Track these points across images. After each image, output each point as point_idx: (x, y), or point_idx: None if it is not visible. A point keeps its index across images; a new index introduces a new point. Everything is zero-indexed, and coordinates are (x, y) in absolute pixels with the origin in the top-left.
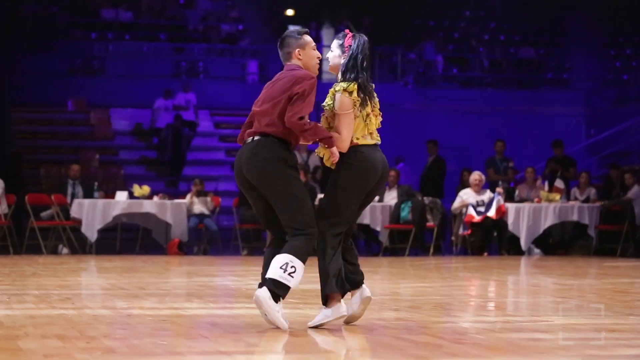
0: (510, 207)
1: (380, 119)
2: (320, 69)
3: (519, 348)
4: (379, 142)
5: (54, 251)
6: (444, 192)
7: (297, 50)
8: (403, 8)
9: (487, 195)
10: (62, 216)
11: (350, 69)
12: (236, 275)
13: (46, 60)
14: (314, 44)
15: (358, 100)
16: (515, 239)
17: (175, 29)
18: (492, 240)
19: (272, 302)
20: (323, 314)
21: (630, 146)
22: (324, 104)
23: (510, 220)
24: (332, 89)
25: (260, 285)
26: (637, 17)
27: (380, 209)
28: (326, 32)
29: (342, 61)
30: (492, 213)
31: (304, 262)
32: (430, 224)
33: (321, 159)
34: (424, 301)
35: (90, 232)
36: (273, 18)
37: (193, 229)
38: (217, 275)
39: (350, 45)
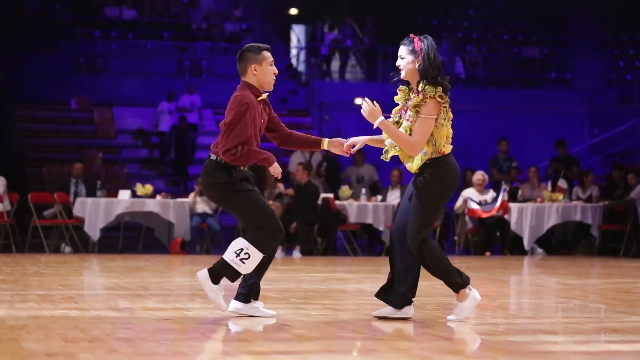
0: (513, 206)
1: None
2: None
3: (522, 348)
4: None
5: (57, 250)
6: None
7: (253, 65)
8: (406, 7)
9: (490, 194)
10: (64, 215)
11: (430, 70)
12: None
13: (49, 59)
14: (271, 59)
15: (445, 106)
16: (518, 239)
17: (179, 28)
18: (495, 240)
19: (209, 282)
20: (462, 308)
21: (633, 146)
22: (396, 111)
23: (513, 220)
24: (405, 92)
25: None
26: None
27: (383, 209)
28: (329, 31)
29: (417, 65)
30: (494, 207)
31: (262, 252)
32: None
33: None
34: (427, 301)
35: (93, 230)
36: (276, 17)
37: (196, 228)
38: None
39: (422, 48)
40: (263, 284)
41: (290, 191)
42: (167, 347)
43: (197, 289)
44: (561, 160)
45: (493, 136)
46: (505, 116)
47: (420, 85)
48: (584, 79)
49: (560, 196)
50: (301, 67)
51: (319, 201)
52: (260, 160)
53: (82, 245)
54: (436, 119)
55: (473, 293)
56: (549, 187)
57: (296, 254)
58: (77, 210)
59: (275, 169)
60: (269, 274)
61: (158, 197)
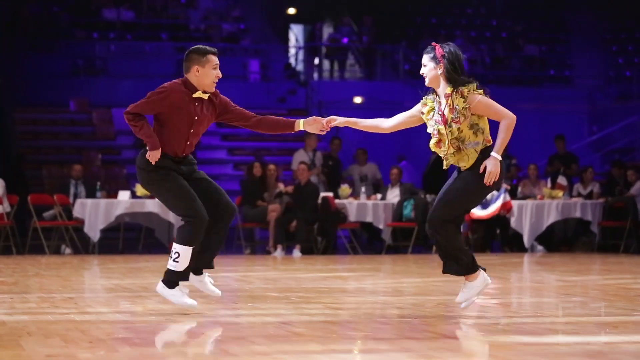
0: (513, 204)
1: None
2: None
3: (523, 346)
4: None
5: (57, 251)
6: None
7: (196, 66)
8: (404, 6)
9: None
10: (64, 216)
11: (454, 74)
12: (239, 274)
13: (48, 61)
14: (215, 63)
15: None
16: (518, 236)
17: (177, 29)
18: (495, 238)
19: (167, 290)
20: (470, 287)
21: (633, 143)
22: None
23: (513, 217)
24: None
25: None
26: (639, 14)
27: (382, 207)
28: (327, 31)
29: (440, 71)
30: (494, 209)
31: (187, 244)
32: None
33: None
34: (427, 299)
35: (93, 232)
36: (275, 17)
37: None
38: (220, 274)
39: (444, 55)
40: (262, 284)
41: (290, 189)
42: (167, 347)
43: (198, 289)
44: (560, 158)
45: (493, 134)
46: None
47: (449, 88)
48: (583, 77)
49: (560, 193)
50: (300, 67)
51: (319, 200)
52: (145, 138)
53: (82, 246)
54: None
55: (483, 275)
56: (549, 184)
57: (296, 253)
58: (77, 212)
59: (152, 156)
60: (269, 274)
61: None
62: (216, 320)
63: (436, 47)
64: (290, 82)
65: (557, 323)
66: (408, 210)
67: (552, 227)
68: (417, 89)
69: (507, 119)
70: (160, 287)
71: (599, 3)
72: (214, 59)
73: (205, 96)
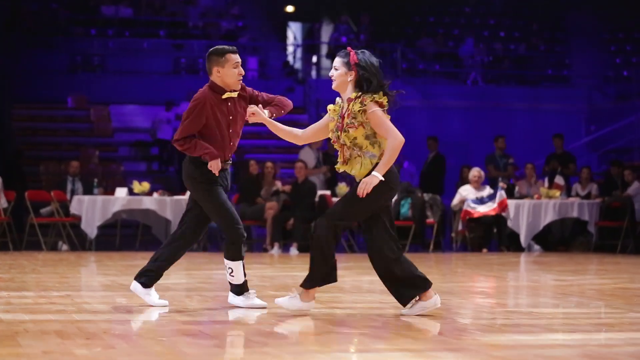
0: (510, 203)
1: None
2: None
3: (519, 344)
4: None
5: (54, 247)
6: (444, 188)
7: (216, 68)
8: (403, 4)
9: (486, 191)
10: (61, 213)
11: (369, 81)
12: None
13: (46, 57)
14: (236, 61)
15: (384, 109)
16: (515, 236)
17: (175, 26)
18: (492, 237)
19: (238, 298)
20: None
21: (630, 143)
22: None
23: (510, 216)
24: (344, 101)
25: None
26: (637, 14)
27: None
28: (325, 29)
29: (350, 78)
30: (492, 208)
31: (236, 260)
32: (430, 220)
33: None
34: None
35: (90, 228)
36: (273, 14)
37: None
38: (216, 272)
39: (357, 62)
40: (259, 282)
41: (288, 188)
42: (163, 344)
43: (194, 286)
44: (558, 157)
45: (490, 133)
46: (502, 113)
47: (354, 94)
48: (581, 76)
49: (557, 193)
50: (298, 65)
51: (316, 198)
52: (203, 153)
53: (79, 243)
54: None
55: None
56: (546, 184)
57: (293, 250)
58: (74, 208)
59: (214, 166)
60: (266, 271)
61: (155, 195)
62: (213, 316)
63: (351, 53)
64: (288, 80)
65: (554, 323)
66: (405, 209)
67: (549, 226)
68: (416, 88)
69: (394, 140)
70: (232, 296)
71: (597, 3)
72: (234, 57)
73: (235, 94)
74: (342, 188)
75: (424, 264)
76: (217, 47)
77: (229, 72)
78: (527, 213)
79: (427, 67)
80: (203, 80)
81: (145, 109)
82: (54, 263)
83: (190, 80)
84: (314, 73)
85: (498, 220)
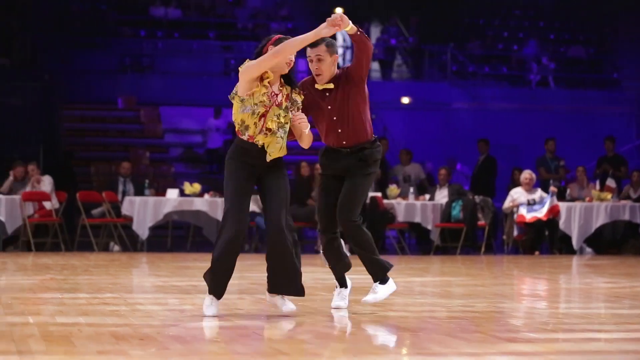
0: (562, 206)
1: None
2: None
3: (572, 346)
4: None
5: (105, 248)
6: (495, 191)
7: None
8: (452, 6)
9: (538, 194)
10: (113, 214)
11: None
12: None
13: (96, 58)
14: (309, 55)
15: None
16: (567, 238)
17: (225, 27)
18: (544, 239)
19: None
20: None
21: None
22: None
23: (561, 219)
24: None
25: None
26: None
27: (431, 208)
28: (374, 31)
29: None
30: (542, 213)
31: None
32: (481, 222)
33: None
34: (476, 300)
35: (141, 229)
36: (322, 16)
37: None
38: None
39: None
40: (312, 283)
41: None
42: (217, 345)
43: (246, 287)
44: (609, 160)
45: (541, 136)
46: (552, 116)
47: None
48: (631, 79)
49: (609, 195)
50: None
51: (367, 200)
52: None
53: (131, 244)
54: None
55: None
56: (597, 187)
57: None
58: (125, 209)
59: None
60: (317, 274)
61: (206, 196)
62: (266, 317)
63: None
64: None
65: (606, 327)
66: (456, 211)
67: (601, 229)
68: (465, 90)
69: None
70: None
71: None
72: (308, 50)
73: (330, 85)
74: (393, 190)
75: (475, 266)
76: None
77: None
78: (578, 216)
79: (476, 69)
80: None
81: (195, 110)
82: (106, 264)
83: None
84: None
85: (550, 223)
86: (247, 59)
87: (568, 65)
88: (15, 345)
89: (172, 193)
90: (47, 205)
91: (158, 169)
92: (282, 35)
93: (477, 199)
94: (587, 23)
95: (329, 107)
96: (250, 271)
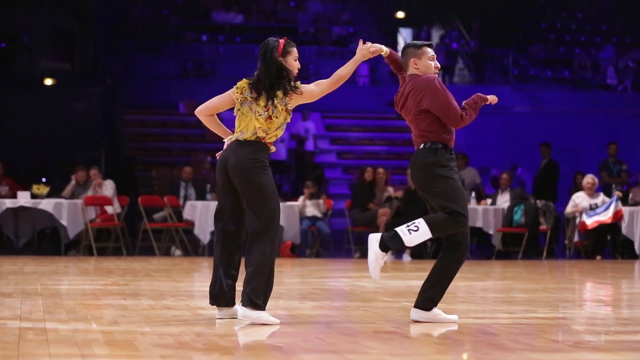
0: (624, 210)
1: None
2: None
3: (636, 351)
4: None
5: (167, 253)
6: (557, 195)
7: (413, 59)
8: (513, 10)
9: (600, 198)
10: (174, 218)
11: None
12: (349, 277)
13: (158, 63)
14: (432, 54)
15: None
16: (629, 243)
17: (286, 32)
18: (606, 244)
19: (376, 245)
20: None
21: None
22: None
23: (624, 223)
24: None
25: None
26: None
27: (493, 212)
28: (436, 34)
29: None
30: (607, 216)
31: (431, 232)
32: (543, 227)
33: None
34: (538, 304)
35: (203, 234)
36: (384, 21)
37: (305, 231)
38: (330, 278)
39: None
40: (373, 288)
41: (400, 194)
42: (281, 350)
43: (308, 291)
44: None
45: (603, 139)
46: (614, 119)
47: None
48: None
49: None
50: None
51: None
52: (478, 106)
53: (192, 248)
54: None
55: None
56: None
57: (406, 257)
58: (187, 214)
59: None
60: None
61: None
62: (328, 321)
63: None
64: (399, 86)
65: None
66: (518, 215)
67: None
68: (527, 94)
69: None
70: (375, 239)
71: None
72: (429, 51)
73: None
74: None
75: (537, 271)
76: (412, 41)
77: (426, 64)
78: None
79: (538, 73)
80: None
81: None
82: (167, 268)
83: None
84: None
85: (612, 227)
86: (298, 82)
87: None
88: (79, 350)
89: None
90: (109, 209)
91: None
92: (287, 39)
93: (539, 203)
94: None
95: None
96: (312, 276)
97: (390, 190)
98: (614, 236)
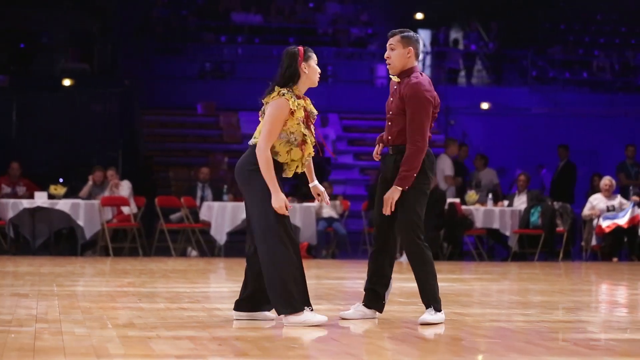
0: None
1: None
2: None
3: None
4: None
5: (183, 254)
6: (574, 197)
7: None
8: (533, 11)
9: (617, 200)
10: (191, 219)
11: None
12: (365, 279)
13: (176, 64)
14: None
15: None
16: None
17: (305, 33)
18: (623, 246)
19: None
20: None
21: None
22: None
23: None
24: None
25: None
26: None
27: (509, 214)
28: (455, 36)
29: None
30: (624, 221)
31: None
32: (559, 229)
33: None
34: (554, 306)
35: (220, 235)
36: (402, 22)
37: (322, 232)
38: (346, 279)
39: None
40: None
41: None
42: (295, 350)
43: (324, 292)
44: None
45: (621, 141)
46: (632, 121)
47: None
48: None
49: None
50: (427, 72)
51: (446, 206)
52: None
53: (209, 249)
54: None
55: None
56: None
57: None
58: (203, 215)
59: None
60: (395, 281)
61: None
62: (342, 325)
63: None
64: None
65: None
66: (535, 217)
67: None
68: (545, 95)
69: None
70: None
71: None
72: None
73: (397, 79)
74: (472, 196)
75: (554, 272)
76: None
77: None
78: None
79: (557, 74)
80: (332, 88)
81: None
82: (184, 269)
83: (319, 87)
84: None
85: (629, 229)
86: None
87: None
88: (94, 350)
89: None
90: (126, 210)
91: None
92: (306, 47)
93: (556, 205)
94: None
95: (391, 99)
96: (328, 277)
97: None
98: (630, 238)
